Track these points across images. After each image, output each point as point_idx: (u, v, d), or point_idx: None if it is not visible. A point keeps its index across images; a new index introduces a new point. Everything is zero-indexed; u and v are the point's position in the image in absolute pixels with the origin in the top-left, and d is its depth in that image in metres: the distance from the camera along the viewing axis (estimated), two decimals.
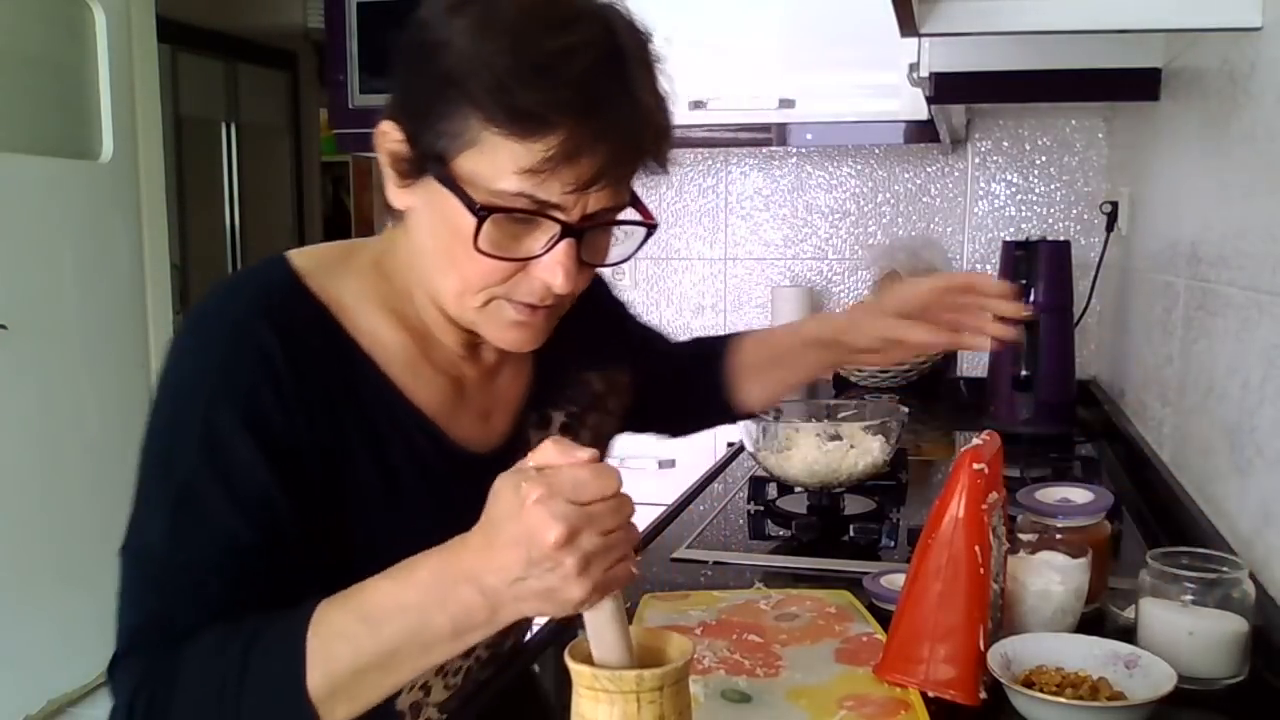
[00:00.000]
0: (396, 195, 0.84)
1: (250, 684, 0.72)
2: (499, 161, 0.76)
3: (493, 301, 0.83)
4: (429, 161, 0.79)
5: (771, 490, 1.55)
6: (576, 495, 0.66)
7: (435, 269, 0.84)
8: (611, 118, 0.77)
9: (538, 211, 0.78)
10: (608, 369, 1.09)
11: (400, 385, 0.87)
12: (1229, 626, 0.94)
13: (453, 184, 0.78)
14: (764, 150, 2.81)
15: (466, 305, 0.84)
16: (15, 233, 2.18)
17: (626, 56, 0.79)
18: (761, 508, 1.54)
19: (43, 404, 2.24)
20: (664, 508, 1.58)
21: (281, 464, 0.78)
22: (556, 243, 0.79)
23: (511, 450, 0.94)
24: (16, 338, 2.14)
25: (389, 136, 0.82)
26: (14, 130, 2.24)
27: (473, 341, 0.92)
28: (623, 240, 0.86)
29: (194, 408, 0.78)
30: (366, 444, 0.84)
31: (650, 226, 0.85)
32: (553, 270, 0.80)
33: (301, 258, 0.87)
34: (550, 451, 0.68)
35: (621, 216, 0.84)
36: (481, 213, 0.77)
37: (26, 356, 2.18)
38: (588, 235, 0.81)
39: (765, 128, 2.55)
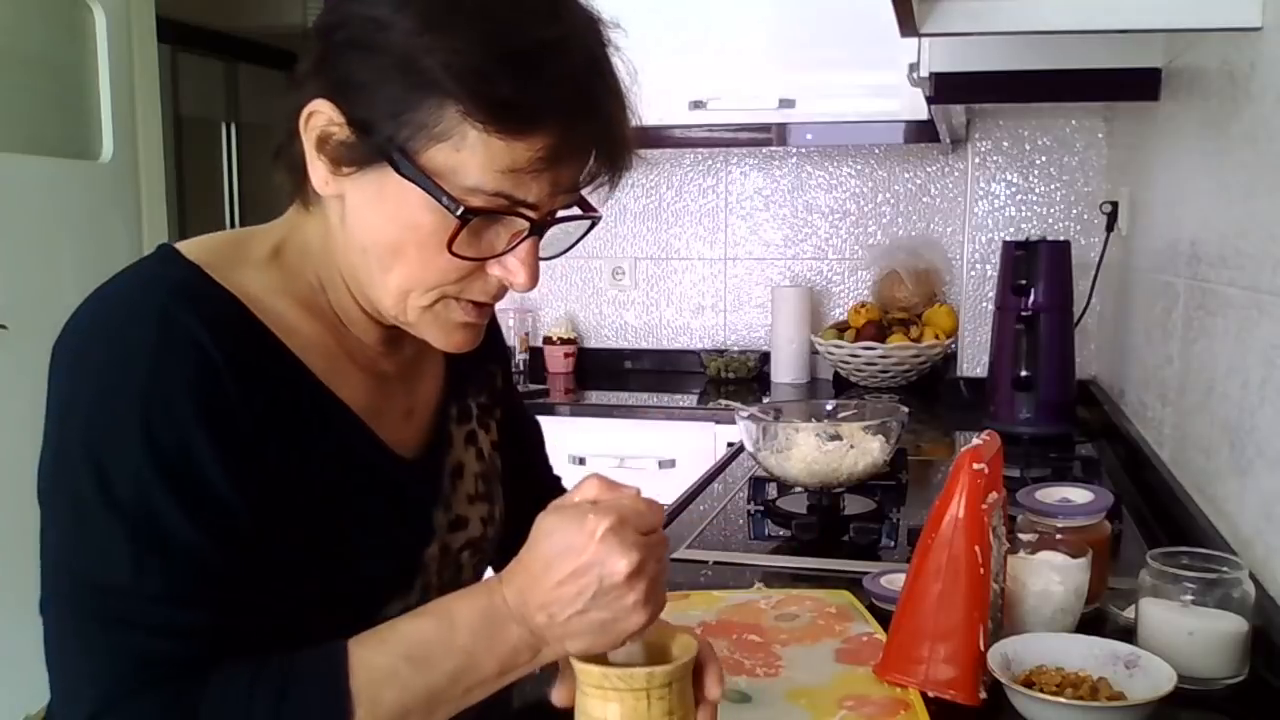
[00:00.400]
0: (326, 182, 0.75)
1: None
2: (478, 158, 0.70)
3: (441, 301, 0.77)
4: (386, 153, 0.71)
5: (771, 490, 1.55)
6: (640, 525, 0.68)
7: (376, 265, 0.76)
8: (602, 118, 0.73)
9: (511, 210, 0.73)
10: (503, 366, 1.04)
11: (325, 381, 0.80)
12: (1229, 626, 0.94)
13: (425, 181, 0.71)
14: (764, 150, 2.81)
15: (411, 305, 0.77)
16: (15, 233, 2.18)
17: (602, 47, 0.74)
18: (761, 508, 1.53)
19: (43, 404, 2.24)
20: (664, 508, 1.58)
21: (238, 459, 0.71)
22: (523, 240, 0.74)
23: (438, 449, 0.91)
24: (16, 338, 2.14)
25: (322, 117, 0.73)
26: (14, 130, 2.23)
27: (391, 337, 0.85)
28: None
29: (127, 423, 0.69)
30: (311, 438, 0.78)
31: (595, 219, 0.80)
32: (517, 269, 0.75)
33: (195, 249, 0.78)
34: (597, 487, 0.70)
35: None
36: (467, 215, 0.71)
37: (26, 356, 2.17)
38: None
39: (765, 128, 2.56)
